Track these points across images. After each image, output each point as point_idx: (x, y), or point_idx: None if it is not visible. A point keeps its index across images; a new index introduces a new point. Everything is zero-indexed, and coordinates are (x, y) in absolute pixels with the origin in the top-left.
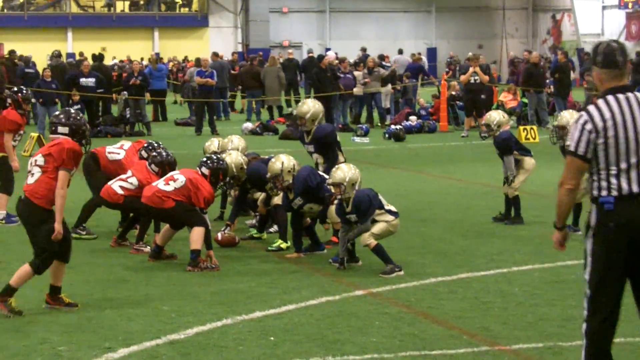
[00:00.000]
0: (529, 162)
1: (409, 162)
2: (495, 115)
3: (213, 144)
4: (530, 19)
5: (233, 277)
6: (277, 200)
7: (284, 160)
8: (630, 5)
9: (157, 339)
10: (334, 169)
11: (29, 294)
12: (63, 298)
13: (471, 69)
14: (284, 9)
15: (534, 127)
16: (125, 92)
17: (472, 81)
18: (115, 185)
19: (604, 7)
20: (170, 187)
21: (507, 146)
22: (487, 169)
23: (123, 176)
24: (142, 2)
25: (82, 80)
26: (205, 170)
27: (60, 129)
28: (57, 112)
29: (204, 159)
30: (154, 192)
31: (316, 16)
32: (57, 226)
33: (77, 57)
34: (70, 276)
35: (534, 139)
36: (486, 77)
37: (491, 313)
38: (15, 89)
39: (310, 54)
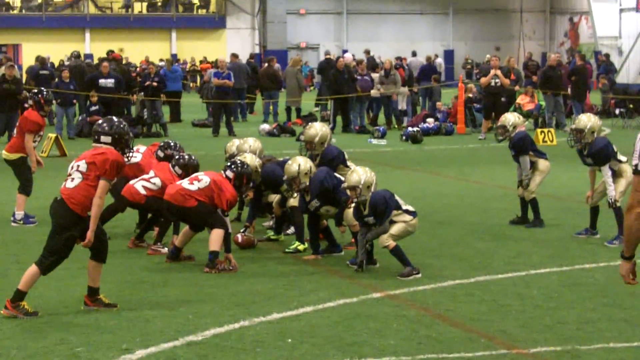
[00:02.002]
0: (543, 164)
1: (426, 164)
2: (510, 117)
3: (234, 144)
4: (548, 22)
5: (250, 278)
6: (294, 202)
7: (301, 163)
8: None
9: (175, 340)
10: (349, 172)
11: (47, 295)
12: (102, 299)
13: (492, 72)
14: (301, 10)
15: (552, 129)
16: (142, 93)
17: (493, 84)
18: (138, 185)
19: (621, 10)
20: (194, 187)
21: (524, 145)
22: (504, 171)
23: (146, 176)
24: (159, 4)
25: (101, 81)
26: (229, 174)
27: (104, 138)
28: (100, 121)
29: (229, 163)
30: (178, 190)
31: (333, 18)
32: (90, 234)
33: (121, 55)
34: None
35: (552, 141)
36: (507, 80)
37: (509, 316)
38: (36, 90)
39: (328, 56)
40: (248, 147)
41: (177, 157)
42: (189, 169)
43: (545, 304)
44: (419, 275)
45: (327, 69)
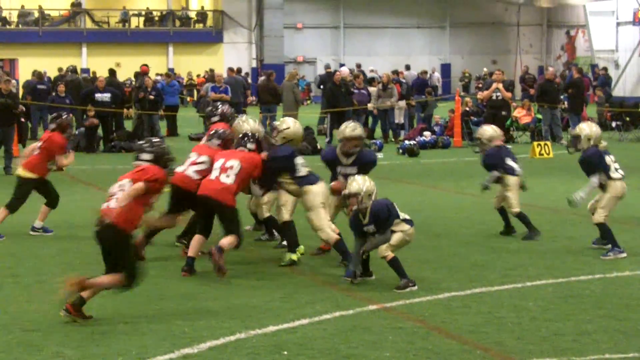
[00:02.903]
0: (511, 179)
1: (423, 177)
2: (488, 130)
3: (242, 122)
4: (545, 35)
5: (246, 291)
6: (286, 216)
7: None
8: None
9: (171, 353)
10: (349, 181)
11: (43, 309)
12: (83, 311)
13: (494, 85)
14: (298, 24)
15: (548, 142)
16: (138, 106)
17: (495, 97)
18: (190, 171)
19: (618, 24)
20: (230, 179)
21: (495, 161)
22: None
23: (192, 159)
24: (156, 18)
25: (98, 95)
26: (251, 146)
27: (145, 156)
28: (140, 141)
29: (244, 136)
30: (222, 188)
31: (330, 32)
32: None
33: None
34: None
35: (548, 154)
36: (509, 94)
37: (505, 328)
38: (59, 113)
39: (328, 69)
40: (248, 127)
41: (211, 133)
42: (227, 141)
43: (541, 316)
44: (415, 287)
45: (327, 83)
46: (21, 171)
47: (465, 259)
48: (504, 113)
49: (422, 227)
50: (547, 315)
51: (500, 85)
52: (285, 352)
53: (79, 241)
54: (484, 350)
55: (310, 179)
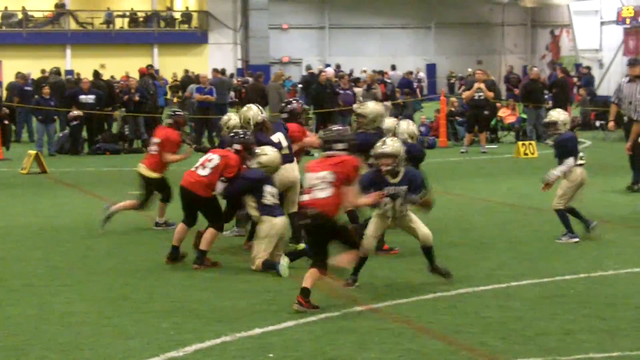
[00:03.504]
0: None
1: None
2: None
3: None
4: (529, 35)
5: (232, 294)
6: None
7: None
8: (628, 21)
9: (156, 356)
10: (385, 141)
11: (27, 313)
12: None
13: (476, 85)
14: (283, 25)
15: (533, 142)
16: (123, 109)
17: (477, 97)
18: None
19: (602, 23)
20: (205, 172)
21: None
22: (486, 184)
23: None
24: (141, 19)
25: (82, 97)
26: (237, 146)
27: (339, 145)
28: (328, 131)
29: (233, 135)
30: (196, 181)
31: (316, 32)
32: None
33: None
34: (68, 294)
35: (533, 154)
36: (491, 94)
37: (490, 328)
38: (174, 110)
39: (310, 70)
40: (252, 113)
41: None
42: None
43: (526, 316)
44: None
45: (311, 83)
46: (145, 171)
47: (450, 259)
48: (486, 113)
49: None
50: (532, 315)
51: (483, 85)
52: (272, 355)
53: (65, 244)
54: (470, 350)
55: (273, 210)
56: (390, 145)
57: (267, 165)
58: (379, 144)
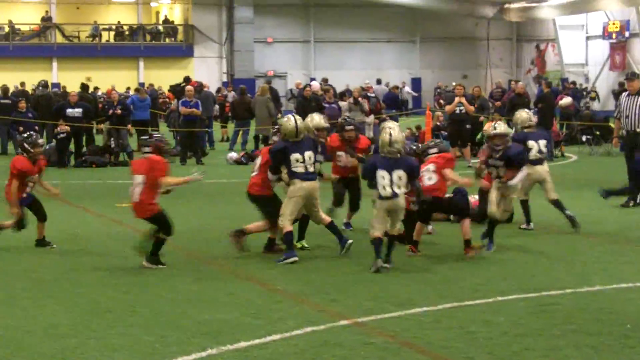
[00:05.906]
0: None
1: None
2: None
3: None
4: (515, 49)
5: (218, 307)
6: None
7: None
8: (613, 35)
9: None
10: (497, 123)
11: (12, 324)
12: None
13: (457, 99)
14: (268, 39)
15: None
16: (107, 122)
17: (458, 111)
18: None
19: (588, 38)
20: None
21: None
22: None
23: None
24: (127, 33)
25: (69, 110)
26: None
27: (433, 150)
28: (425, 145)
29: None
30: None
31: (301, 46)
32: None
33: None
34: (53, 306)
35: None
36: (471, 108)
37: (476, 343)
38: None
39: (298, 82)
40: (313, 122)
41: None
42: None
43: (512, 331)
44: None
45: (297, 97)
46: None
47: (436, 273)
48: (468, 127)
49: None
50: (518, 330)
51: (463, 99)
52: None
53: (50, 256)
54: None
55: (301, 175)
56: (500, 126)
57: (285, 132)
58: (489, 128)
